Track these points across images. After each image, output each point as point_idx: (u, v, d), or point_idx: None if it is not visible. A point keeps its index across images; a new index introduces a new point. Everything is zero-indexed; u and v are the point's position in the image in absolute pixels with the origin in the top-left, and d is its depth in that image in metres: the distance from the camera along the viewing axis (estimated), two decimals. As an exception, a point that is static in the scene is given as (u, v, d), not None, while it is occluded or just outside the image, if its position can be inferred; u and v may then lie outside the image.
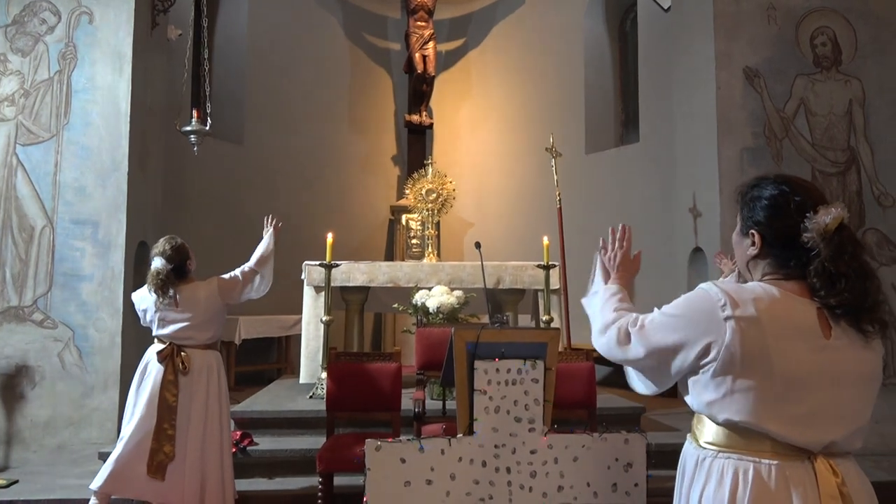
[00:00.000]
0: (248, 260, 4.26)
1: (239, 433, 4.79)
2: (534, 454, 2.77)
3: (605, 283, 2.01)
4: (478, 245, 4.85)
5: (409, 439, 2.75)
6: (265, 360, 8.21)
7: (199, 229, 7.58)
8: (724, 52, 6.17)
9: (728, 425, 1.60)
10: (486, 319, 5.43)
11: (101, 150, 5.51)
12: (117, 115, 5.54)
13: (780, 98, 6.19)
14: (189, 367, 3.83)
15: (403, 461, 2.66)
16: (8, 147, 5.43)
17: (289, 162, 8.75)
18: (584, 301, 2.03)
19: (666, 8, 7.36)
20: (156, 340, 3.95)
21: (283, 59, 8.86)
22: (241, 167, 8.27)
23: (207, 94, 6.08)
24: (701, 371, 1.61)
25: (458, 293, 5.54)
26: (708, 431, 1.66)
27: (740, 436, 1.59)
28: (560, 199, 7.26)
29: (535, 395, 2.81)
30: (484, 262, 4.93)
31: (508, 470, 2.74)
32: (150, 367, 3.87)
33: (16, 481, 4.57)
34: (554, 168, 7.38)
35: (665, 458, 4.12)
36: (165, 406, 3.78)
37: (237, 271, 4.16)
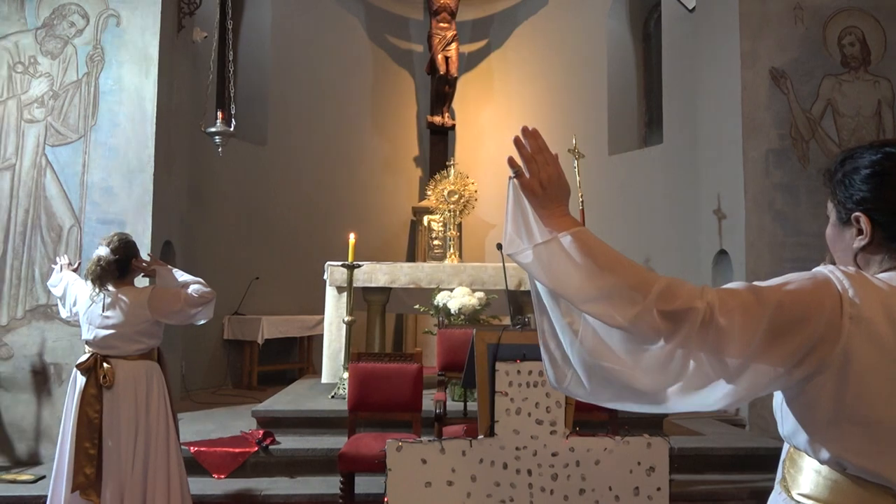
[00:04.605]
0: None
1: (261, 432, 4.84)
2: (555, 457, 2.76)
3: (550, 227, 1.24)
4: (499, 246, 4.83)
5: (430, 440, 2.76)
6: (287, 359, 8.26)
7: (222, 229, 7.66)
8: (749, 53, 6.10)
9: (834, 468, 1.17)
10: (507, 321, 5.43)
11: (128, 150, 5.58)
12: (143, 117, 5.61)
13: (807, 99, 6.10)
14: (112, 380, 3.41)
15: (424, 462, 2.66)
16: (37, 148, 5.52)
17: (311, 163, 8.81)
18: (528, 265, 1.26)
19: (691, 8, 7.30)
20: (85, 348, 3.59)
21: (306, 61, 8.92)
22: (264, 168, 8.33)
23: (232, 95, 6.14)
24: (800, 380, 1.15)
25: (479, 294, 5.54)
26: (805, 480, 1.21)
27: (850, 489, 1.16)
28: (583, 201, 7.22)
29: (557, 398, 2.79)
30: (506, 264, 4.92)
31: (529, 472, 2.74)
32: (77, 381, 3.51)
33: (43, 476, 4.65)
34: (576, 169, 7.34)
35: (687, 462, 4.04)
36: (86, 422, 3.40)
37: (191, 288, 3.58)
